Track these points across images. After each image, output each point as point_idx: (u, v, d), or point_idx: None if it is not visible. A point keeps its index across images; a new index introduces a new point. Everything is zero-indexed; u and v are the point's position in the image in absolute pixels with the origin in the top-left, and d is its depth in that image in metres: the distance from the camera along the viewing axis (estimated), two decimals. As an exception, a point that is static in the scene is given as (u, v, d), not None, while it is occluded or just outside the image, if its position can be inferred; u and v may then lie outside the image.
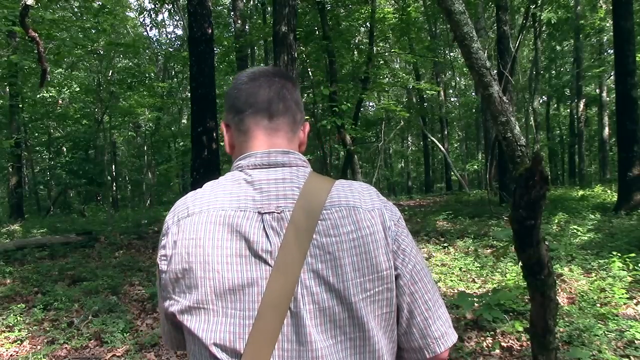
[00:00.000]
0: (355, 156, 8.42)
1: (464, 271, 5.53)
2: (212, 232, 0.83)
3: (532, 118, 18.32)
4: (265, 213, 0.84)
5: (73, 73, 20.05)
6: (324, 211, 0.84)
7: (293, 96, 0.96)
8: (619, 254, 4.96)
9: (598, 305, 4.00)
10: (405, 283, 0.86)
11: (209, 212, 0.85)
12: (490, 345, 3.44)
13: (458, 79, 28.36)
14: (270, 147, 0.91)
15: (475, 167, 23.23)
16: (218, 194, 0.89)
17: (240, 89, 0.95)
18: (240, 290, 0.80)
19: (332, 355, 0.80)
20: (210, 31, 9.92)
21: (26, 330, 3.96)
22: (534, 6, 12.55)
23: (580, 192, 13.59)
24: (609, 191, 12.93)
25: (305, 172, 0.90)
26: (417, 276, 0.87)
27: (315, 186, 0.87)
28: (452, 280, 5.13)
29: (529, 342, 2.88)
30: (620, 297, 4.00)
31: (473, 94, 27.56)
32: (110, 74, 20.80)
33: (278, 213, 0.84)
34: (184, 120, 24.26)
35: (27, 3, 5.11)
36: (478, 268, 5.57)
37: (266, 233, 0.82)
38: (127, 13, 23.03)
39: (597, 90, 21.95)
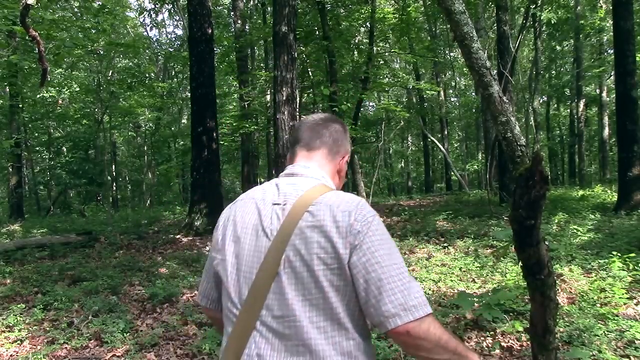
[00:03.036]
0: (355, 156, 8.42)
1: (464, 271, 5.53)
2: (245, 209, 1.23)
3: (532, 118, 18.33)
4: (275, 204, 1.19)
5: (73, 73, 20.04)
6: (311, 206, 1.14)
7: (333, 135, 1.35)
8: (619, 254, 4.96)
9: (598, 305, 4.00)
10: (359, 271, 1.08)
11: (246, 200, 1.26)
12: (490, 345, 3.44)
13: (458, 79, 28.35)
14: (298, 164, 1.31)
15: (475, 167, 23.22)
16: (257, 190, 1.28)
17: (295, 128, 1.40)
18: (249, 255, 1.17)
19: (298, 305, 1.09)
20: (210, 31, 9.92)
21: (26, 330, 3.95)
22: (534, 6, 12.55)
23: (580, 192, 13.59)
24: (609, 191, 12.93)
25: (313, 183, 1.23)
26: (371, 268, 1.08)
27: (313, 190, 1.18)
28: (452, 280, 5.13)
29: (529, 342, 2.88)
30: (620, 297, 4.00)
31: (473, 94, 27.56)
32: (110, 74, 20.80)
33: (283, 205, 1.18)
34: (184, 120, 24.25)
35: (28, 2, 5.10)
36: (478, 268, 5.56)
37: (271, 217, 1.17)
38: (127, 13, 23.02)
39: (597, 90, 21.94)
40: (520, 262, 2.16)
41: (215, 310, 1.33)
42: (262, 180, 19.21)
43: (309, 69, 12.22)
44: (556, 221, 7.71)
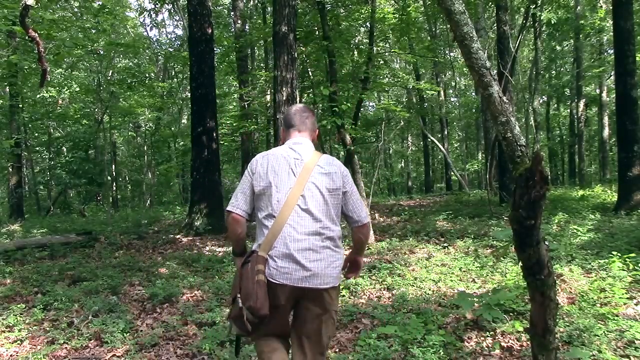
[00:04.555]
0: (355, 156, 8.41)
1: (464, 271, 5.53)
2: (277, 160, 2.22)
3: (532, 118, 18.31)
4: (296, 158, 2.23)
5: (73, 73, 20.04)
6: (320, 161, 2.23)
7: (311, 120, 2.40)
8: (619, 254, 4.95)
9: (598, 305, 4.00)
10: (349, 196, 2.26)
11: (276, 154, 2.26)
12: (490, 345, 3.44)
13: (458, 79, 28.34)
14: (299, 138, 2.34)
15: (475, 167, 23.22)
16: (280, 150, 2.29)
17: (289, 116, 2.40)
18: (285, 183, 2.16)
19: (317, 212, 2.14)
20: (210, 31, 9.91)
21: (26, 330, 3.95)
22: (534, 6, 12.55)
23: (580, 192, 13.59)
24: (609, 191, 12.93)
25: (312, 148, 2.31)
26: (354, 194, 2.27)
27: (315, 153, 2.27)
28: (452, 280, 5.13)
29: (529, 342, 2.88)
30: (620, 297, 4.00)
31: (473, 94, 27.54)
32: (110, 74, 20.79)
33: (301, 159, 2.23)
34: (184, 120, 24.23)
35: (28, 3, 5.10)
36: (478, 268, 5.56)
37: (296, 164, 2.20)
38: (127, 13, 23.02)
39: (597, 90, 21.93)
40: (520, 262, 2.16)
41: (240, 216, 2.25)
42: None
43: (309, 69, 12.21)
44: (556, 221, 7.70)
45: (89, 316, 4.21)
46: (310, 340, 2.19)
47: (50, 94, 17.95)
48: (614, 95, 10.39)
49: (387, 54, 16.34)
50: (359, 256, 2.45)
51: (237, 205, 2.23)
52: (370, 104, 25.81)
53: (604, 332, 3.44)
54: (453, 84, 28.33)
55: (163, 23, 27.03)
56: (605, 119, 19.98)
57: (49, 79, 13.17)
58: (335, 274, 2.17)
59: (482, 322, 3.78)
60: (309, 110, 2.43)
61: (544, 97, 25.24)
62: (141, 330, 3.99)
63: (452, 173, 23.09)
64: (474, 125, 27.22)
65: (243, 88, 15.59)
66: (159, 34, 27.20)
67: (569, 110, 24.84)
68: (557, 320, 3.28)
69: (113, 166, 22.96)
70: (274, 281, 2.07)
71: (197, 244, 8.30)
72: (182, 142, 22.89)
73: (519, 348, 3.40)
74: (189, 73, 11.55)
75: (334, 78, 9.01)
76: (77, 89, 18.70)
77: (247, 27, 16.70)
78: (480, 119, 21.27)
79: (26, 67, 13.26)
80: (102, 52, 17.66)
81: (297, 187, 2.14)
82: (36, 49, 5.83)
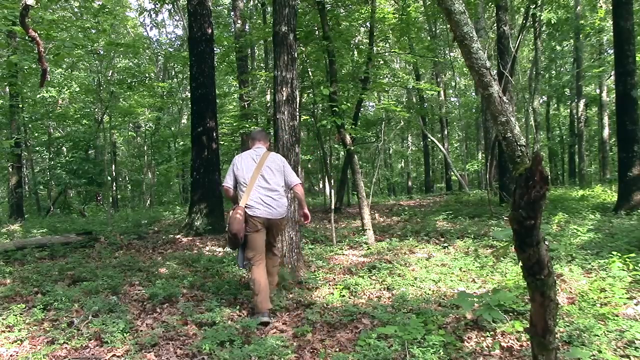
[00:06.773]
0: (355, 156, 8.41)
1: (464, 271, 5.53)
2: (247, 157, 4.51)
3: (532, 118, 18.31)
4: (256, 155, 4.51)
5: (73, 73, 20.02)
6: (270, 156, 4.50)
7: (264, 135, 4.70)
8: (619, 254, 4.96)
9: (598, 305, 4.00)
10: (285, 171, 4.50)
11: (246, 154, 4.56)
12: (490, 345, 3.44)
13: (458, 79, 28.34)
14: (259, 146, 4.63)
15: (475, 167, 23.21)
16: (248, 152, 4.58)
17: (253, 135, 4.71)
18: (251, 167, 4.42)
19: (269, 179, 4.39)
20: (210, 31, 9.91)
21: (26, 330, 3.95)
22: (534, 6, 12.55)
23: (580, 192, 13.60)
24: (609, 191, 12.94)
25: (265, 149, 4.60)
26: (288, 169, 4.52)
27: (267, 152, 4.56)
28: (452, 280, 5.13)
29: (529, 342, 2.88)
30: (620, 297, 4.00)
31: (473, 94, 27.55)
32: (110, 74, 20.78)
33: (258, 154, 4.51)
34: (184, 120, 24.23)
35: (28, 3, 5.09)
36: (478, 268, 5.57)
37: (256, 158, 4.48)
38: (127, 13, 23.03)
39: (597, 90, 21.93)
40: (520, 262, 2.16)
41: (231, 189, 4.44)
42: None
43: (309, 69, 12.19)
44: (556, 221, 7.71)
45: (89, 316, 4.21)
46: (272, 241, 4.54)
47: (50, 94, 17.93)
48: (614, 95, 10.40)
49: (387, 54, 16.34)
50: (304, 209, 4.54)
51: (227, 182, 4.42)
52: (370, 104, 25.82)
53: (604, 332, 3.44)
54: (453, 84, 28.33)
55: (163, 23, 27.11)
56: (605, 119, 19.97)
57: (49, 79, 13.16)
58: (283, 210, 4.41)
59: (482, 322, 3.78)
60: (264, 131, 4.70)
61: (544, 97, 25.23)
62: (141, 330, 3.99)
63: (452, 173, 23.10)
64: (474, 125, 27.22)
65: (243, 88, 15.59)
66: (159, 34, 27.25)
67: (569, 110, 24.84)
68: (557, 320, 3.28)
69: (113, 166, 22.94)
70: (252, 215, 4.25)
71: (197, 244, 8.30)
72: (182, 142, 22.89)
73: (519, 348, 3.40)
74: (189, 73, 11.54)
75: (334, 78, 9.01)
76: (77, 89, 18.68)
77: (247, 27, 16.70)
78: (480, 119, 21.28)
79: (26, 67, 13.25)
80: (102, 52, 17.63)
81: (258, 168, 4.32)
82: (36, 49, 5.82)
